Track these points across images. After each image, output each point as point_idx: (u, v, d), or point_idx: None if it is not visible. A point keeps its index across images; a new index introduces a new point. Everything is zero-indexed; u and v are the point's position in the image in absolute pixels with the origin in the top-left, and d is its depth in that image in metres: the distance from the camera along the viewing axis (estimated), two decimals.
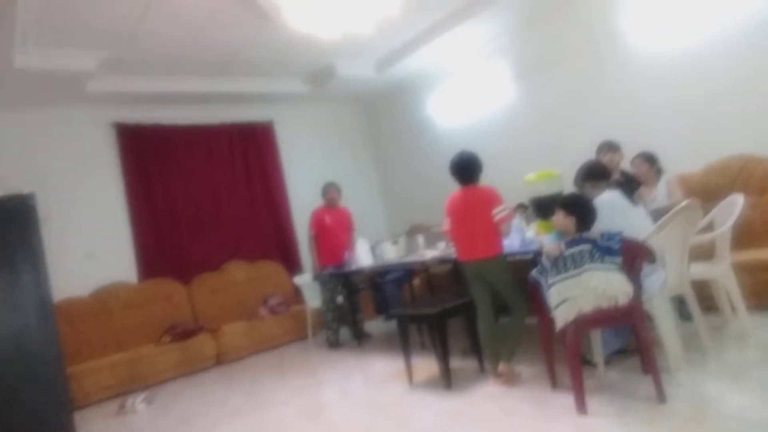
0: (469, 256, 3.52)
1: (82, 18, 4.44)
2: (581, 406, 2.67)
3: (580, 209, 2.90)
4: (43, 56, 4.79)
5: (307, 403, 3.95)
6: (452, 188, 3.64)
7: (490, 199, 3.43)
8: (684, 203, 3.10)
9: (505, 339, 3.43)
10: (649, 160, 4.12)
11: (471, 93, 6.53)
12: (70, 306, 5.50)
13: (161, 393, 4.95)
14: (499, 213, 3.38)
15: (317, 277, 5.72)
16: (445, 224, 3.69)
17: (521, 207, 4.79)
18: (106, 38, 4.84)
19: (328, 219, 5.71)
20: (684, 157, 4.53)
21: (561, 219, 2.92)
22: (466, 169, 3.53)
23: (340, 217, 5.81)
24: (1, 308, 2.49)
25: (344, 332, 5.69)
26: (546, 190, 3.52)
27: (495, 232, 3.42)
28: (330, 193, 5.78)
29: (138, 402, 4.59)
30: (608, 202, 3.10)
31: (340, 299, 5.67)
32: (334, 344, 5.49)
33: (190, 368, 5.49)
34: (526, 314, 3.42)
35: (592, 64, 5.31)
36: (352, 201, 6.48)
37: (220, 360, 5.71)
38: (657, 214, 3.39)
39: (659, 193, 4.07)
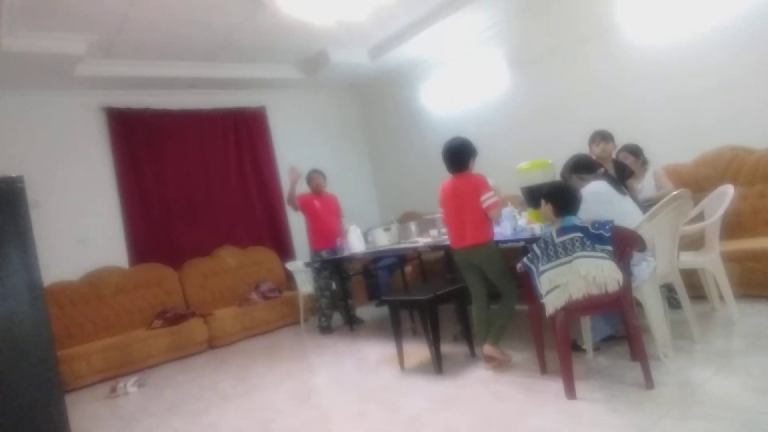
0: (459, 243, 3.53)
1: (72, 0, 4.36)
2: (570, 391, 2.71)
3: (554, 196, 2.96)
4: (31, 39, 4.72)
5: (298, 387, 3.97)
6: (445, 176, 3.64)
7: (477, 186, 3.43)
8: (675, 192, 3.13)
9: (494, 323, 3.46)
10: (634, 152, 4.15)
11: (464, 82, 6.52)
12: (60, 290, 5.49)
13: (153, 376, 4.97)
14: (487, 200, 3.38)
15: (311, 264, 5.72)
16: (441, 212, 3.71)
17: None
18: (96, 22, 4.77)
19: (317, 203, 5.70)
20: (675, 148, 4.56)
21: (543, 208, 3.02)
22: (454, 156, 3.52)
23: (328, 202, 5.81)
24: None
25: (336, 318, 5.72)
26: (538, 178, 3.54)
27: (484, 219, 3.42)
28: (315, 179, 5.76)
29: (129, 385, 4.60)
30: (595, 192, 3.13)
31: (333, 286, 5.69)
32: (327, 330, 5.51)
33: (181, 352, 5.50)
34: (516, 300, 3.44)
35: (585, 55, 5.31)
36: (344, 187, 6.47)
37: (212, 344, 5.72)
38: (647, 205, 3.42)
39: (646, 184, 4.10)
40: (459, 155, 3.51)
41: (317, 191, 5.76)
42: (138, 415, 3.96)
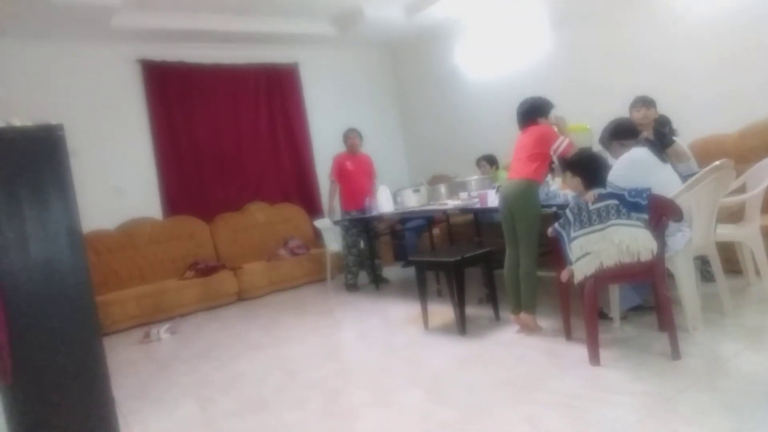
0: (509, 175, 3.56)
1: None
2: (594, 358, 2.71)
3: (583, 167, 2.89)
4: None
5: (324, 341, 4.06)
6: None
7: (543, 138, 3.40)
8: (716, 163, 3.02)
9: (521, 285, 3.42)
10: (662, 124, 3.97)
11: (502, 43, 6.32)
12: (98, 238, 5.68)
13: (184, 324, 5.15)
14: (559, 146, 3.32)
15: (340, 222, 5.76)
16: None
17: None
18: None
19: (349, 165, 5.70)
20: (721, 118, 4.39)
21: (569, 180, 2.96)
22: (519, 115, 3.58)
23: (362, 163, 5.79)
24: (33, 235, 2.55)
25: (363, 276, 5.79)
26: (575, 143, 3.45)
27: (534, 160, 3.39)
28: (352, 138, 5.75)
29: (162, 332, 4.79)
30: (635, 159, 3.02)
31: (361, 244, 5.75)
32: (353, 287, 5.60)
33: (211, 303, 5.67)
34: (534, 264, 3.38)
35: (629, 17, 5.07)
36: (374, 147, 6.41)
37: (241, 297, 5.88)
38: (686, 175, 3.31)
39: None
40: (522, 115, 3.55)
41: (353, 151, 5.74)
42: (170, 359, 4.13)
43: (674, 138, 3.99)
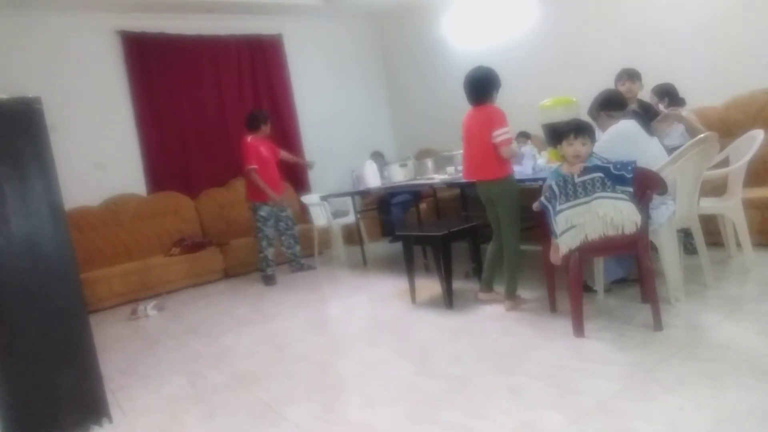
0: (475, 177, 3.44)
1: None
2: (578, 329, 2.75)
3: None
4: None
5: (312, 316, 4.08)
6: (464, 114, 3.55)
7: (492, 120, 3.26)
8: (701, 136, 3.04)
9: (505, 271, 3.41)
10: (659, 94, 3.96)
11: (489, 14, 6.24)
12: (81, 215, 5.61)
13: (171, 301, 5.14)
14: (499, 136, 3.23)
15: (269, 214, 5.37)
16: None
17: (522, 136, 4.71)
18: None
19: (264, 150, 5.37)
20: (706, 90, 4.39)
21: (579, 147, 2.78)
22: (475, 87, 3.35)
23: (271, 149, 5.50)
24: (13, 211, 2.50)
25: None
26: (561, 116, 3.43)
27: (496, 153, 3.29)
28: (266, 121, 5.41)
29: (149, 308, 4.78)
30: (623, 131, 3.02)
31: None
32: (271, 279, 5.33)
33: (198, 279, 5.67)
34: (517, 252, 3.39)
35: None
36: (360, 122, 6.36)
37: (228, 273, 5.87)
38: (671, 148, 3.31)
39: (673, 130, 3.92)
40: (480, 86, 3.34)
41: (264, 135, 5.43)
42: (159, 336, 4.13)
43: (684, 108, 3.93)
